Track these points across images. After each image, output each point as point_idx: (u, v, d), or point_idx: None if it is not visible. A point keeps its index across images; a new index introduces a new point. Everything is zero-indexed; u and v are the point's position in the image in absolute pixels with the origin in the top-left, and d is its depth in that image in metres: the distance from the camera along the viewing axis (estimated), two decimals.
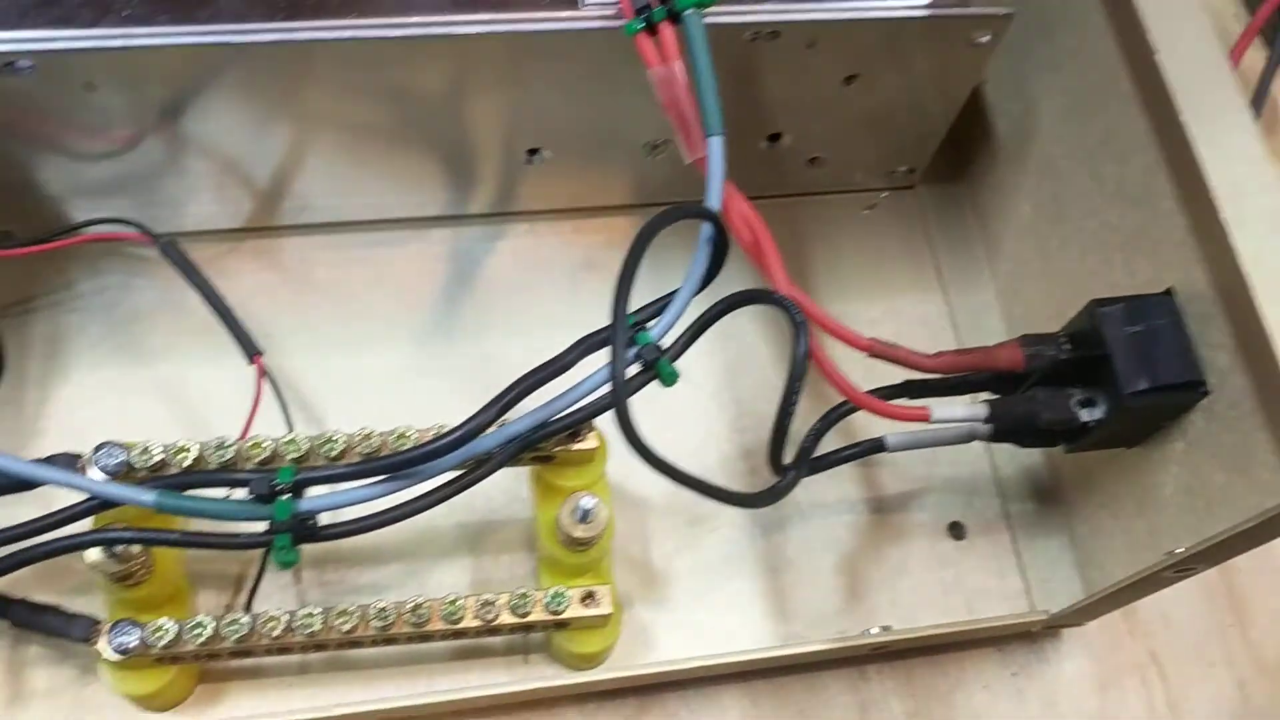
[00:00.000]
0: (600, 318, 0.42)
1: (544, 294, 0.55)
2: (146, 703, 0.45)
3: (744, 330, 0.56)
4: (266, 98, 0.47)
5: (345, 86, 0.47)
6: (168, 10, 0.43)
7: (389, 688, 0.47)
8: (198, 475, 0.41)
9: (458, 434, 0.41)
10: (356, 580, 0.49)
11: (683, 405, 0.53)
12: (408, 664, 0.48)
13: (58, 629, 0.42)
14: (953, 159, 0.59)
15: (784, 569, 0.51)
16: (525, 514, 0.51)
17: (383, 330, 0.53)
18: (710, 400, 0.54)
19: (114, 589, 0.43)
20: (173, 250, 0.48)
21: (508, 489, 0.50)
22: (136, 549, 0.42)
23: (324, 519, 0.41)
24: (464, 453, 0.42)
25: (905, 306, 0.57)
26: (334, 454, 0.43)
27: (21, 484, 0.41)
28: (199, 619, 0.43)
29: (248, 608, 0.47)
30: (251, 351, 0.48)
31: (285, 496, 0.40)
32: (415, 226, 0.56)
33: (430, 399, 0.51)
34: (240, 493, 0.41)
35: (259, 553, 0.48)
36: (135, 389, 0.51)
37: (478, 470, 0.43)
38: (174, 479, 0.41)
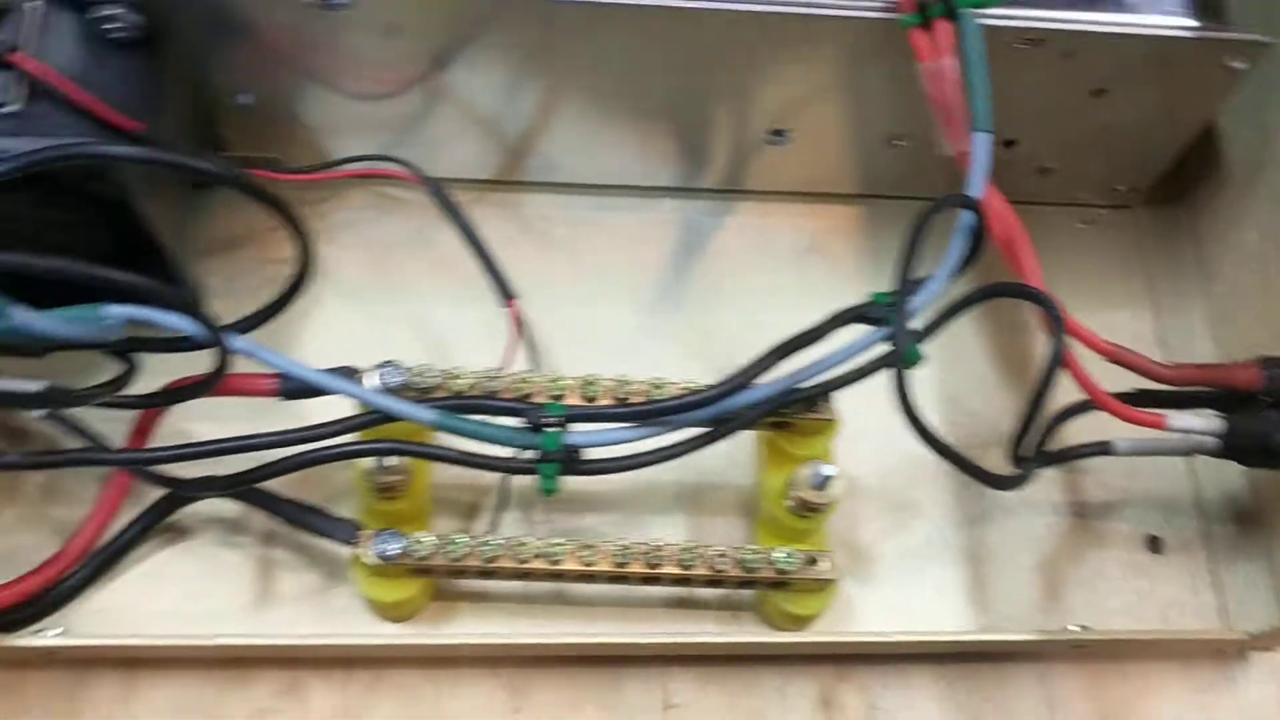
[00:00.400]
0: (822, 300, 0.45)
1: (768, 272, 0.57)
2: (388, 610, 0.48)
3: (959, 326, 0.57)
4: (532, 55, 0.49)
5: (600, 52, 0.50)
6: None
7: (604, 626, 0.50)
8: (474, 401, 0.44)
9: (718, 390, 0.43)
10: (577, 524, 0.51)
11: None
12: (623, 606, 0.50)
13: (323, 529, 0.45)
14: (1172, 180, 0.60)
15: (985, 560, 0.53)
16: (740, 480, 0.53)
17: (614, 291, 0.56)
18: (927, 392, 0.55)
19: (371, 500, 0.46)
20: (440, 191, 0.51)
21: (727, 453, 0.52)
22: (403, 464, 0.45)
23: (587, 454, 0.43)
24: (720, 408, 0.44)
25: (1115, 322, 0.58)
26: (593, 396, 0.45)
27: (309, 390, 0.44)
28: (453, 536, 0.45)
29: (492, 530, 0.49)
30: (507, 295, 0.51)
31: (554, 429, 0.43)
32: (649, 195, 0.58)
33: (654, 360, 0.53)
34: (507, 422, 0.44)
35: (496, 487, 0.51)
36: (384, 318, 0.54)
37: (727, 426, 0.45)
38: (451, 402, 0.44)
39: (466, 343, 0.53)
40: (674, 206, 0.58)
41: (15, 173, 0.37)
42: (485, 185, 0.57)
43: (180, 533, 0.50)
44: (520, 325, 0.50)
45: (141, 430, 0.47)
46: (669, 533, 0.52)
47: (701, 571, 0.46)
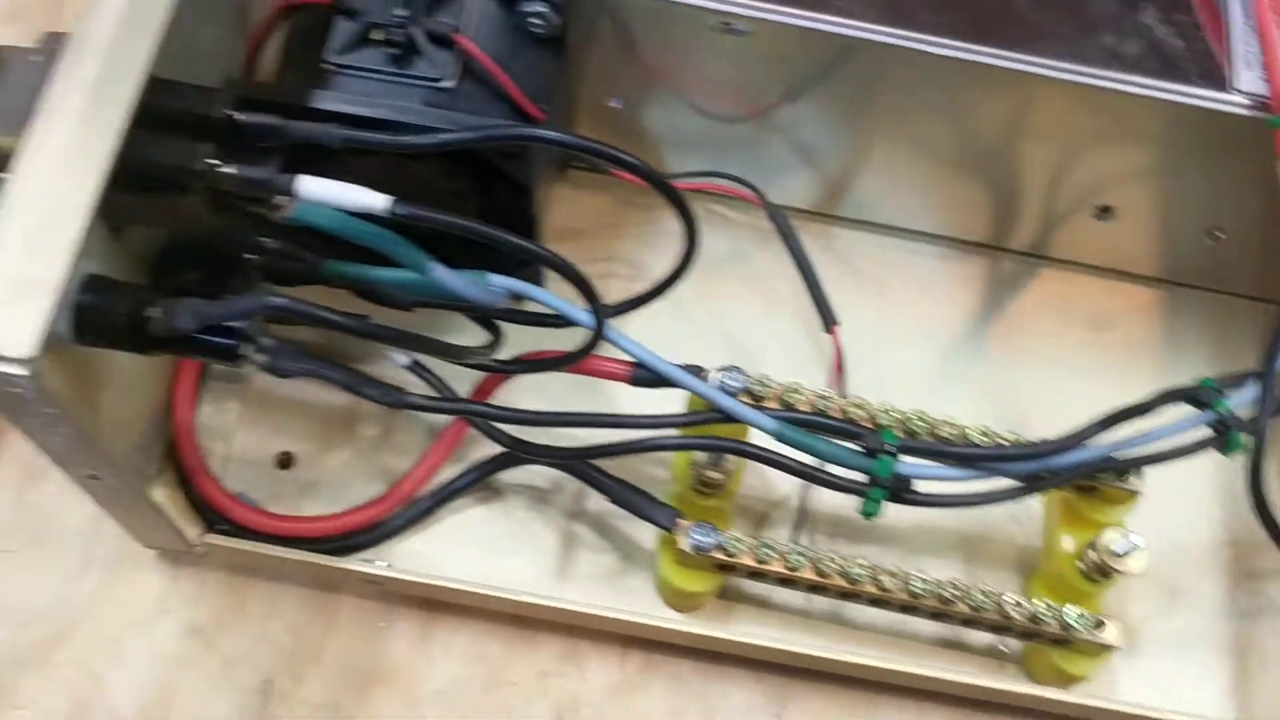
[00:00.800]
0: (1114, 376, 0.48)
1: (1063, 339, 0.59)
2: (680, 599, 0.51)
3: None
4: (874, 98, 0.52)
5: (940, 104, 0.52)
6: (875, 9, 0.49)
7: (874, 649, 0.52)
8: (809, 417, 0.46)
9: (1049, 447, 0.45)
10: (856, 551, 0.53)
11: (1182, 479, 0.55)
12: (893, 635, 0.52)
13: (647, 512, 0.48)
14: None
15: (1253, 655, 0.53)
16: (1019, 534, 0.54)
17: (915, 332, 0.58)
18: (1205, 482, 0.57)
19: (689, 493, 0.49)
20: (780, 216, 0.54)
21: (1010, 509, 0.54)
22: (732, 463, 0.48)
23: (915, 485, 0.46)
24: (1046, 464, 0.46)
25: None
26: (916, 431, 0.47)
27: (658, 382, 0.47)
28: (765, 540, 0.48)
29: (794, 541, 0.52)
30: (830, 321, 0.53)
31: (888, 457, 0.45)
32: (956, 246, 0.60)
33: (946, 405, 0.54)
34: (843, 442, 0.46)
35: (796, 499, 0.53)
36: (697, 327, 0.57)
37: (1045, 481, 0.47)
38: (786, 414, 0.47)
39: (772, 361, 0.54)
40: (980, 261, 0.60)
41: (472, 144, 0.41)
42: (803, 214, 0.59)
43: (495, 492, 0.53)
44: (840, 352, 0.53)
45: (484, 390, 0.51)
46: (943, 576, 0.53)
47: (991, 616, 0.48)
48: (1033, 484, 0.47)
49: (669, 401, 0.48)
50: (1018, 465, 0.46)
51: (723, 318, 0.57)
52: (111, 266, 0.40)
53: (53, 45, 0.40)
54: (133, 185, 0.39)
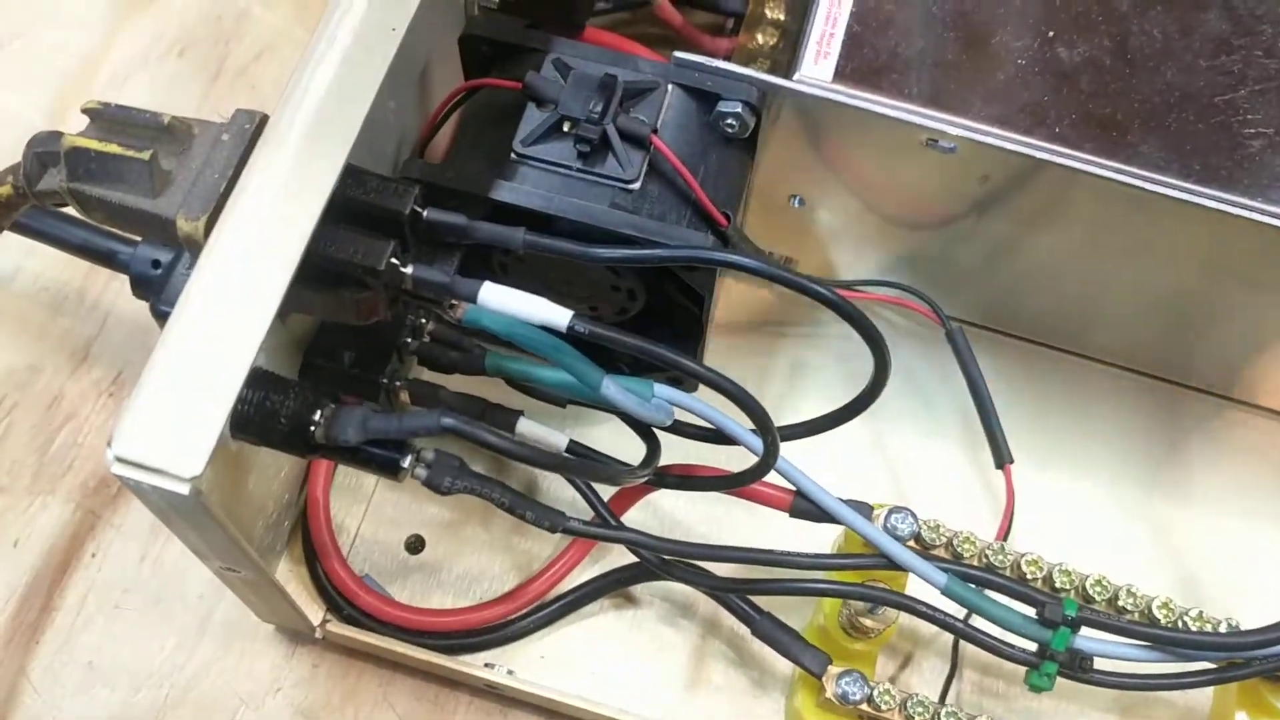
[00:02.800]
0: None
1: (1247, 487, 0.55)
2: None
3: None
4: (1118, 236, 0.48)
5: (1135, 233, 0.48)
6: (1095, 140, 0.45)
7: None
8: (984, 573, 0.43)
9: (1256, 637, 0.42)
10: (1013, 699, 0.50)
11: None
12: None
13: (793, 653, 0.45)
14: None
15: None
16: (1180, 698, 0.50)
17: (1084, 467, 0.54)
18: None
19: (838, 633, 0.46)
20: (960, 337, 0.51)
21: None
22: (893, 614, 0.45)
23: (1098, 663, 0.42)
24: (1250, 654, 0.42)
25: None
26: (1096, 597, 0.44)
27: (819, 515, 0.45)
28: (920, 697, 0.45)
29: (941, 699, 0.49)
30: (1005, 458, 0.50)
31: (1065, 628, 0.42)
32: (1136, 377, 0.56)
33: (1113, 545, 0.53)
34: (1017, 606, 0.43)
35: (944, 642, 0.50)
36: (850, 440, 0.53)
37: (1241, 670, 0.43)
38: (961, 568, 0.43)
39: (928, 491, 0.53)
40: (1162, 395, 0.56)
41: (665, 263, 0.39)
42: (971, 327, 0.56)
43: (629, 599, 0.51)
44: (1012, 495, 0.49)
45: (627, 498, 0.49)
46: None
47: None
48: (1230, 671, 0.43)
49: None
50: (1216, 652, 0.42)
51: (879, 435, 0.54)
52: (270, 351, 0.38)
53: (243, 123, 0.38)
54: (311, 280, 0.37)
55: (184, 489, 0.32)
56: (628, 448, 0.45)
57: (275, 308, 0.34)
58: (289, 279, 0.34)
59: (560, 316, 0.37)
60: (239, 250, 0.35)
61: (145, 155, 0.37)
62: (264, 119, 0.38)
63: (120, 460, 0.32)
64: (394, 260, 0.37)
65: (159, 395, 0.33)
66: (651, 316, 0.48)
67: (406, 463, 0.37)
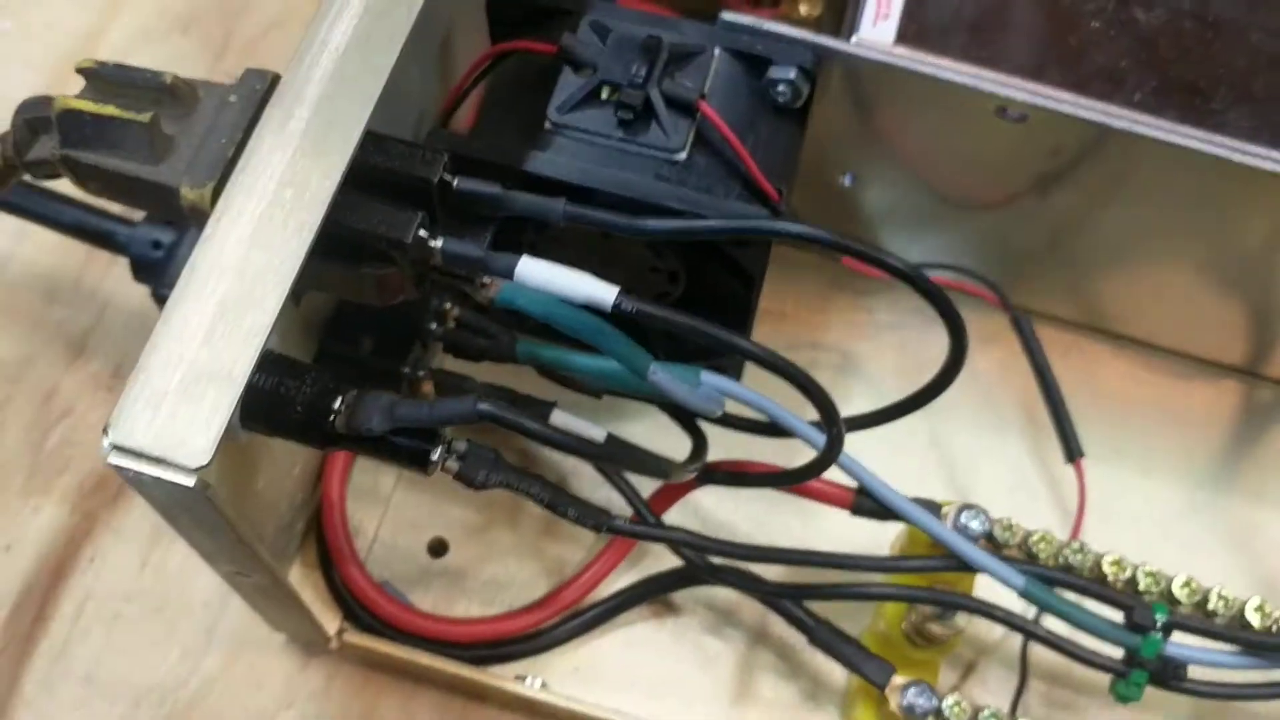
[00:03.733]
0: None
1: None
2: None
3: None
4: (1195, 213, 0.45)
5: (1212, 214, 0.45)
6: (1177, 107, 0.42)
7: None
8: (1063, 575, 0.40)
9: None
10: (1082, 709, 0.46)
11: None
12: None
13: (855, 663, 0.41)
14: None
15: None
16: (1265, 709, 0.47)
17: (1156, 458, 0.51)
18: None
19: (901, 641, 0.43)
20: (1026, 324, 0.47)
21: None
22: (963, 620, 0.41)
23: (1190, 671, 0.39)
24: None
25: None
26: (1181, 599, 0.40)
27: (883, 513, 0.41)
28: (991, 709, 0.41)
29: (1012, 711, 0.45)
30: (1076, 453, 0.46)
31: (1156, 634, 0.39)
32: (1208, 368, 0.52)
33: (1188, 546, 0.49)
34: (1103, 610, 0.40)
35: (1012, 647, 0.46)
36: (906, 432, 0.50)
37: None
38: (1039, 570, 0.40)
39: (991, 489, 0.49)
40: (1232, 387, 0.52)
41: (719, 235, 0.35)
42: (1037, 318, 0.51)
43: (669, 607, 0.47)
44: (1084, 491, 0.46)
45: (671, 495, 0.45)
46: None
47: None
48: None
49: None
50: None
51: (937, 431, 0.50)
52: (282, 334, 0.35)
53: (254, 84, 0.34)
54: (330, 254, 0.33)
55: (189, 481, 0.28)
56: (665, 443, 0.41)
57: (291, 282, 0.31)
58: (306, 251, 0.31)
59: (606, 293, 0.34)
60: (249, 219, 0.31)
61: (145, 118, 0.34)
62: (276, 79, 0.35)
63: (118, 449, 0.29)
64: (422, 232, 0.33)
65: (160, 378, 0.29)
66: (693, 302, 0.44)
67: (436, 455, 0.34)
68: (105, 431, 0.29)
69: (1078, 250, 0.49)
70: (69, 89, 0.37)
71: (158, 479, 0.29)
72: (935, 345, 0.54)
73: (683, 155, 0.39)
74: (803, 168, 0.48)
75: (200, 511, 0.31)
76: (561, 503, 0.36)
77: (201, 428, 0.29)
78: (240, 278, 0.30)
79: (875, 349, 0.52)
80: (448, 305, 0.42)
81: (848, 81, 0.44)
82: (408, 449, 0.34)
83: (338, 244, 0.33)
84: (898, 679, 0.42)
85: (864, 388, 0.51)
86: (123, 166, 0.35)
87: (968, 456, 0.50)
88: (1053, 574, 0.40)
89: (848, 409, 0.43)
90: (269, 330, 0.30)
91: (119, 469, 0.29)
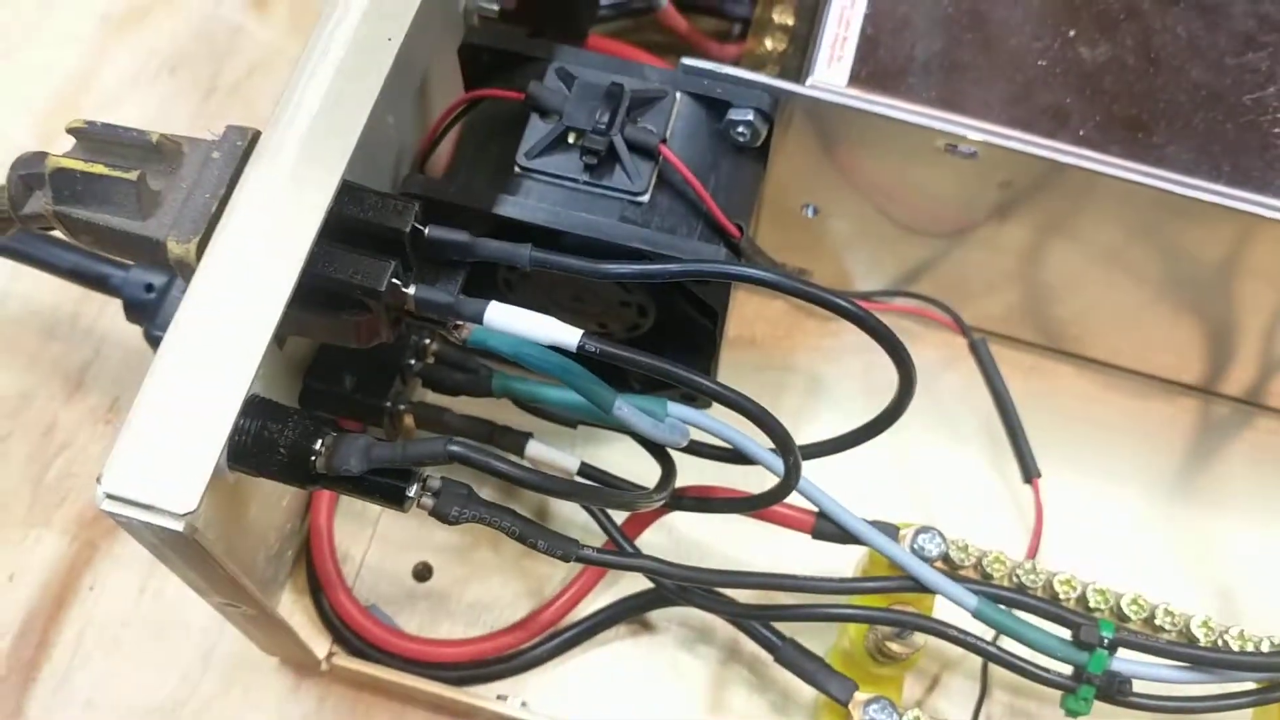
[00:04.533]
0: None
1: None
2: None
3: None
4: (1145, 240, 0.47)
5: (1155, 238, 0.47)
6: (1120, 142, 0.44)
7: None
8: (1016, 594, 0.41)
9: None
10: (1048, 718, 0.48)
11: None
12: None
13: (818, 681, 0.43)
14: None
15: None
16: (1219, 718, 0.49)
17: (1115, 475, 0.53)
18: None
19: (864, 658, 0.44)
20: (983, 348, 0.49)
21: None
22: (921, 639, 0.43)
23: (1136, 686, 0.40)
24: None
25: None
26: (1131, 616, 0.42)
27: (842, 537, 0.43)
28: None
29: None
30: (1032, 473, 0.48)
31: (1103, 650, 0.40)
32: (1163, 386, 0.54)
33: (1146, 560, 0.51)
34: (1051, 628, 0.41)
35: (973, 662, 0.48)
36: (870, 455, 0.52)
37: None
38: (992, 590, 0.42)
39: (953, 508, 0.51)
40: (1190, 404, 0.54)
41: (677, 278, 0.37)
42: (998, 339, 0.53)
43: (646, 625, 0.49)
44: (1041, 510, 0.48)
45: (641, 521, 0.47)
46: None
47: None
48: (1269, 694, 0.41)
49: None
50: (1255, 673, 0.41)
51: (900, 451, 0.52)
52: (267, 377, 0.37)
53: (235, 140, 0.36)
54: (309, 302, 0.35)
55: (178, 525, 0.30)
56: (642, 468, 0.43)
57: (271, 332, 0.32)
58: (285, 302, 0.33)
59: (569, 336, 0.35)
60: (232, 273, 0.33)
61: (132, 175, 0.36)
62: (256, 135, 0.37)
63: (111, 497, 0.31)
64: (395, 280, 0.35)
65: (150, 428, 0.31)
66: (664, 332, 0.46)
67: (412, 492, 0.36)
68: (99, 480, 0.31)
69: (1034, 276, 0.51)
70: (62, 128, 0.39)
71: (148, 524, 0.31)
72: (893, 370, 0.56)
73: (646, 197, 0.41)
74: (767, 201, 0.50)
75: (189, 553, 0.33)
76: (531, 534, 0.37)
77: (189, 476, 0.31)
78: (224, 330, 0.32)
79: (842, 372, 0.54)
80: (427, 341, 0.44)
81: (806, 119, 0.46)
82: (384, 488, 0.36)
83: (317, 293, 0.35)
84: (860, 695, 0.43)
85: (831, 409, 0.53)
86: (112, 221, 0.37)
87: (932, 475, 0.52)
88: (1006, 593, 0.41)
89: (816, 430, 0.45)
90: (252, 379, 0.32)
91: (112, 515, 0.31)
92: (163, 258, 0.36)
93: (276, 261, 0.33)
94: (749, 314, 0.54)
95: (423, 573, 0.50)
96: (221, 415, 0.31)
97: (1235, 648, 0.41)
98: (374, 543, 0.50)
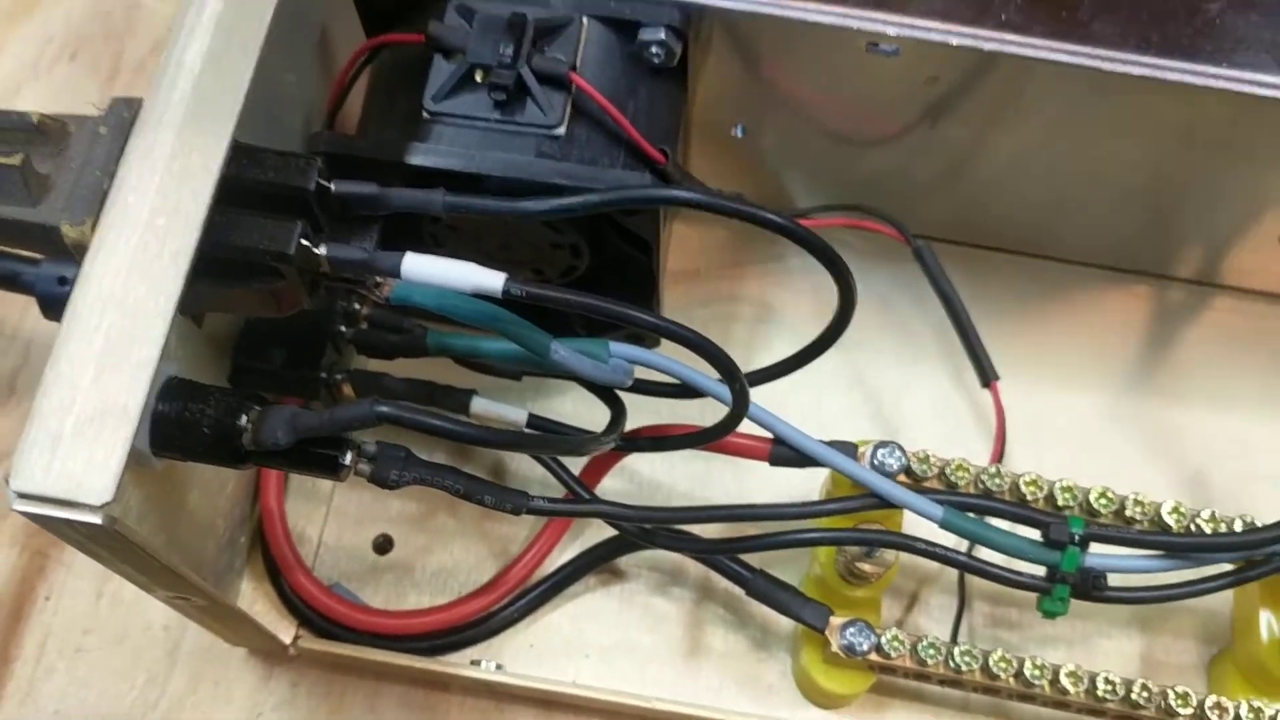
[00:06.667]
0: None
1: (1244, 374, 0.52)
2: (826, 699, 0.46)
3: None
4: (1080, 124, 0.45)
5: (1097, 120, 0.45)
6: (1044, 22, 0.42)
7: None
8: (983, 500, 0.41)
9: (1271, 532, 0.39)
10: (1020, 636, 0.48)
11: None
12: None
13: (792, 610, 0.42)
14: None
15: None
16: (1204, 604, 0.48)
17: (1073, 371, 0.52)
18: None
19: (837, 582, 0.44)
20: (928, 253, 0.48)
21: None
22: (891, 556, 0.42)
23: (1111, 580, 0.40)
24: (1269, 550, 0.40)
25: None
26: (1101, 510, 0.41)
27: (802, 460, 0.42)
28: (931, 640, 0.42)
29: (953, 637, 0.46)
30: (990, 376, 0.47)
31: (1074, 548, 0.39)
32: (1116, 275, 0.53)
33: (1112, 454, 0.50)
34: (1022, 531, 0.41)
35: (950, 576, 0.47)
36: (828, 375, 0.50)
37: (1261, 568, 0.40)
38: (958, 498, 0.41)
39: (915, 421, 0.50)
40: (1144, 291, 0.53)
41: (600, 208, 0.35)
42: (941, 243, 0.52)
43: (616, 574, 0.48)
44: (1002, 412, 0.47)
45: (600, 466, 0.46)
46: (1121, 649, 0.48)
47: (1121, 709, 0.42)
48: (1247, 573, 0.41)
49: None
50: (1232, 554, 0.40)
51: (856, 370, 0.51)
52: (189, 358, 0.35)
53: (121, 113, 0.34)
54: (216, 274, 0.33)
55: (96, 518, 0.29)
56: (596, 415, 0.42)
57: (173, 311, 0.31)
58: (185, 276, 0.31)
59: (493, 280, 0.34)
60: (125, 251, 0.31)
61: (15, 160, 0.34)
62: (142, 105, 0.35)
63: (22, 496, 0.29)
64: (304, 241, 0.33)
65: (55, 421, 0.29)
66: (600, 274, 0.45)
67: (347, 459, 0.34)
68: (6, 480, 0.29)
69: (975, 174, 0.50)
70: None
71: (67, 520, 0.29)
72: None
73: (562, 129, 0.40)
74: (694, 125, 0.49)
75: (116, 545, 0.31)
76: (477, 491, 0.36)
77: (101, 465, 0.29)
78: (122, 311, 0.31)
79: (791, 296, 0.52)
80: (358, 306, 0.43)
81: (722, 33, 0.44)
82: (317, 458, 0.34)
83: (223, 263, 0.34)
84: (835, 620, 0.42)
85: (784, 334, 0.51)
86: (1, 211, 0.35)
87: (891, 391, 0.51)
88: (972, 500, 0.41)
89: (770, 356, 0.44)
90: (157, 361, 0.30)
91: (27, 514, 0.30)
92: (60, 244, 0.35)
93: (171, 236, 0.32)
94: (691, 247, 0.53)
95: (383, 545, 0.48)
96: (130, 399, 0.30)
97: (1208, 531, 0.41)
98: (329, 520, 0.49)
